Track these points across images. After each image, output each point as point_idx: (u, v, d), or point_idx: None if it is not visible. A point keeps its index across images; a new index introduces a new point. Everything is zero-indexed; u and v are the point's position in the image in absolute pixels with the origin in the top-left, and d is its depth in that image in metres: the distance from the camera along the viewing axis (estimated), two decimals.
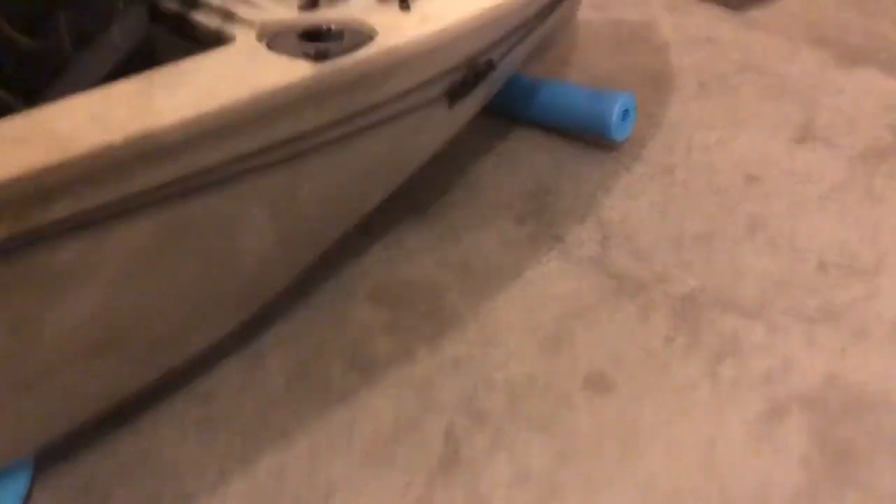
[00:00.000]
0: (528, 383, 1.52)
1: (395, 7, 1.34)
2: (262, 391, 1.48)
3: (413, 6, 1.35)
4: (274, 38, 1.24)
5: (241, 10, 1.31)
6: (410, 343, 1.60)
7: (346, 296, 1.70)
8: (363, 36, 1.26)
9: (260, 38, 1.23)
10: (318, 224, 1.51)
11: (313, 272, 1.67)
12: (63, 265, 1.03)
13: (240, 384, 1.49)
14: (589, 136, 2.23)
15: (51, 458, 1.31)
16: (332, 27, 1.28)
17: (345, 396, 1.47)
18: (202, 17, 1.34)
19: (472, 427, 1.43)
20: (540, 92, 2.26)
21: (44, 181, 0.92)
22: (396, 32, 1.28)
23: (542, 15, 1.79)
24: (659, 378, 1.54)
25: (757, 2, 3.33)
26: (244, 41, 1.22)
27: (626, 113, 2.17)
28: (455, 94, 1.56)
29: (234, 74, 1.13)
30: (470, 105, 1.74)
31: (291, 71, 1.15)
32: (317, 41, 1.24)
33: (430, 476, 1.34)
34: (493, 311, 1.69)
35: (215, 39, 1.30)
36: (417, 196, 1.98)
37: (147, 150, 1.01)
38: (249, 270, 1.38)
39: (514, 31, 1.66)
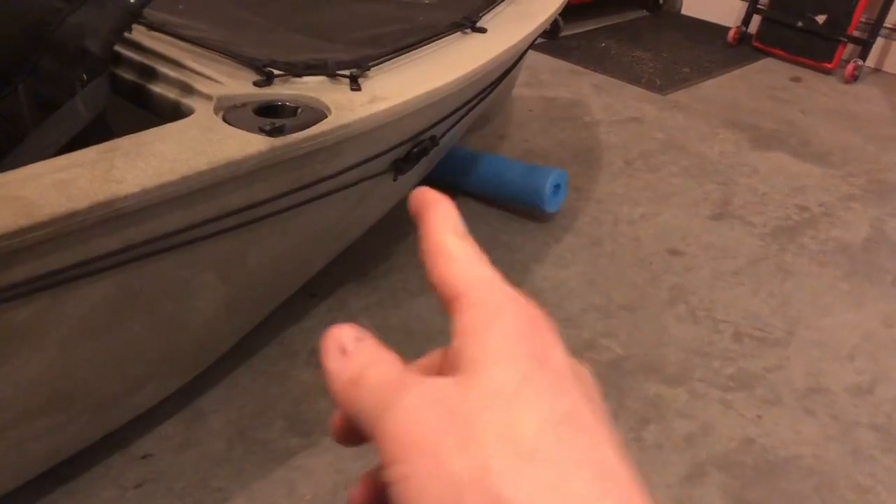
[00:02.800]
0: None
1: (347, 86, 1.43)
2: (203, 452, 1.49)
3: (363, 86, 1.44)
4: (230, 112, 1.30)
5: (199, 84, 1.36)
6: None
7: (287, 358, 1.74)
8: (316, 113, 1.33)
9: (217, 111, 1.30)
10: (265, 288, 1.56)
11: (256, 332, 1.70)
12: (19, 324, 1.06)
13: (180, 444, 1.51)
14: (523, 207, 2.35)
15: None
16: (287, 103, 1.35)
17: (285, 458, 1.50)
18: (160, 89, 1.39)
19: None
20: (478, 165, 2.38)
21: (9, 244, 0.96)
22: (347, 110, 1.35)
23: (483, 95, 1.91)
24: None
25: (678, 86, 3.56)
26: (202, 114, 1.27)
27: (557, 187, 2.29)
28: (400, 167, 1.65)
29: (192, 146, 1.18)
30: (412, 176, 1.83)
31: (247, 145, 1.21)
32: (272, 116, 1.31)
33: None
34: None
35: (172, 111, 1.35)
36: (361, 260, 2.04)
37: (108, 217, 1.05)
38: (197, 332, 1.41)
39: (457, 110, 1.77)
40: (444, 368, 0.30)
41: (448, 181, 2.41)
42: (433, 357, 0.34)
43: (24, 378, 1.12)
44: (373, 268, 2.07)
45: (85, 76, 1.24)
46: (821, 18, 3.84)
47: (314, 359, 1.75)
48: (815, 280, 2.24)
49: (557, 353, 0.29)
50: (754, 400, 1.78)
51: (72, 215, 1.01)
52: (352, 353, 0.30)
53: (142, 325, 1.27)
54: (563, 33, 4.00)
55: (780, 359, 1.92)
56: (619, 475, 0.26)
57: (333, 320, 1.87)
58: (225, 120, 1.28)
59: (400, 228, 2.22)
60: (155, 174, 1.10)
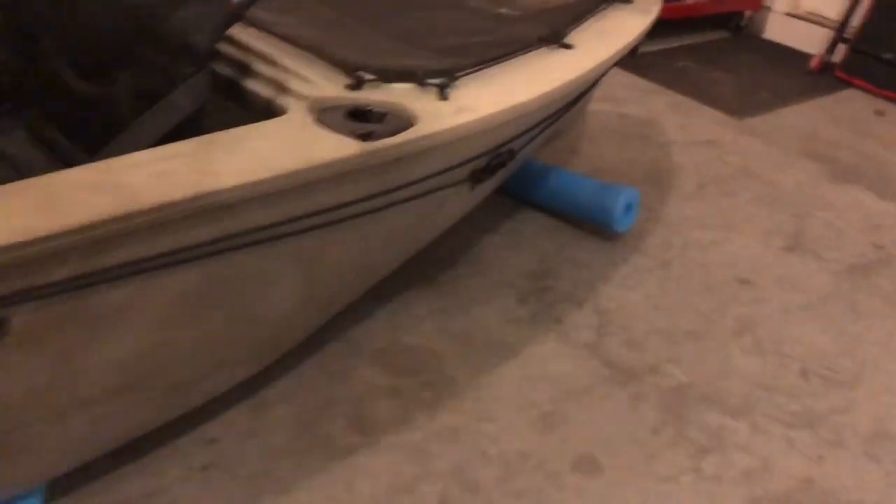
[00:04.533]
0: (521, 460, 1.58)
1: (435, 96, 1.44)
2: (267, 441, 1.53)
3: (450, 96, 1.46)
4: (323, 114, 1.33)
5: (293, 83, 1.40)
6: (410, 409, 1.66)
7: (351, 357, 1.77)
8: (404, 120, 1.35)
9: (310, 112, 1.33)
10: (339, 286, 1.59)
11: (323, 330, 1.74)
12: (113, 306, 1.10)
13: (246, 431, 1.54)
14: (592, 225, 2.34)
15: (60, 487, 1.35)
16: (377, 109, 1.38)
17: (345, 455, 1.53)
18: (254, 86, 1.43)
19: (464, 497, 1.49)
20: (549, 178, 2.38)
21: (111, 229, 1.00)
22: (434, 120, 1.37)
23: (564, 110, 1.91)
24: (645, 466, 1.61)
25: (756, 111, 3.50)
26: (297, 114, 1.31)
27: (628, 207, 2.28)
28: (478, 177, 1.66)
29: (287, 146, 1.21)
30: (488, 187, 1.85)
31: (339, 148, 1.24)
32: (362, 121, 1.34)
33: None
34: (491, 385, 1.76)
35: (265, 108, 1.39)
36: (427, 266, 2.06)
37: (203, 209, 1.09)
38: (272, 324, 1.45)
39: (538, 124, 1.77)
40: None
41: (519, 194, 2.42)
42: None
43: (113, 357, 1.16)
44: (440, 273, 2.09)
45: (187, 71, 1.29)
46: None
47: (378, 359, 1.78)
48: (888, 322, 2.19)
49: None
50: (817, 440, 1.75)
51: (170, 205, 1.04)
52: None
53: (223, 314, 1.31)
54: (641, 50, 3.96)
55: (846, 400, 1.88)
56: None
57: (399, 323, 1.91)
58: (318, 122, 1.31)
59: (469, 236, 2.23)
60: (250, 171, 1.14)
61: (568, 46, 1.79)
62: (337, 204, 1.32)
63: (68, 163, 1.53)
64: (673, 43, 4.26)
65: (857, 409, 1.86)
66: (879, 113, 3.73)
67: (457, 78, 1.51)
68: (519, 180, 2.32)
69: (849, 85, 3.98)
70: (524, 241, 2.28)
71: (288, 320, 1.49)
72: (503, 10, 2.09)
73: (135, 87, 1.38)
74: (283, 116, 1.31)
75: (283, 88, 1.41)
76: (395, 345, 1.83)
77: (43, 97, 1.59)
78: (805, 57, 4.23)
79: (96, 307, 1.09)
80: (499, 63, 1.63)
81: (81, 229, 0.97)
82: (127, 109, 1.39)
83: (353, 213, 1.37)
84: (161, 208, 1.04)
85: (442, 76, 1.49)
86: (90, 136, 1.46)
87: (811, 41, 4.31)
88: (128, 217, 1.01)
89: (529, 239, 2.30)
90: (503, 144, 1.67)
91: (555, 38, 1.79)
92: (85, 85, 1.47)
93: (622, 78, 3.62)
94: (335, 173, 1.25)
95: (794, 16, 4.50)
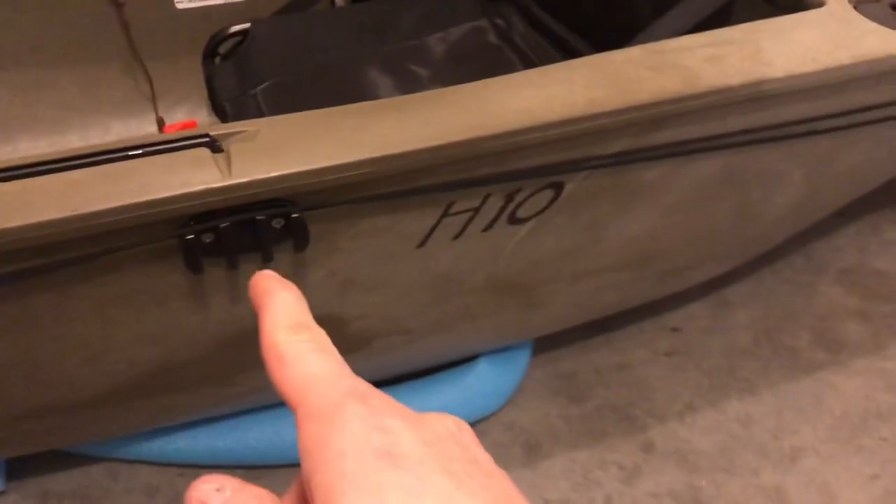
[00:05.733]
0: None
1: None
2: (729, 340, 1.54)
3: None
4: (864, 6, 1.23)
5: None
6: (881, 335, 1.55)
7: (815, 272, 1.69)
8: None
9: (853, 2, 1.24)
10: (835, 195, 1.51)
11: (786, 242, 1.67)
12: (645, 184, 1.16)
13: (706, 327, 1.57)
14: None
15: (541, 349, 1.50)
16: None
17: (812, 370, 1.48)
18: None
19: None
20: None
21: (671, 108, 1.03)
22: None
23: None
24: None
25: None
26: (837, 5, 1.23)
27: None
28: None
29: (834, 38, 1.14)
30: None
31: (889, 42, 1.14)
32: None
33: None
34: None
35: (794, 2, 1.33)
36: None
37: (754, 96, 1.08)
38: (766, 223, 1.42)
39: None
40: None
41: None
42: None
43: (630, 233, 1.23)
44: None
45: None
46: None
47: (845, 279, 1.67)
48: None
49: (410, 440, 0.25)
50: None
51: (728, 90, 1.05)
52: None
53: (728, 206, 1.31)
54: None
55: None
56: None
57: (865, 244, 1.77)
58: (860, 12, 1.21)
59: None
60: (800, 62, 1.09)
61: None
62: (865, 106, 1.23)
63: (568, 52, 1.62)
64: None
65: None
66: None
67: None
68: None
69: None
70: None
71: (780, 221, 1.45)
72: None
73: None
74: (824, 8, 1.23)
75: None
76: (862, 267, 1.71)
77: None
78: None
79: (631, 183, 1.15)
80: None
81: (650, 105, 1.02)
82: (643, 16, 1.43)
83: (877, 118, 1.27)
84: (720, 92, 1.05)
85: None
86: (594, 28, 1.54)
87: None
88: (690, 98, 1.03)
89: None
90: None
91: None
92: None
93: None
94: (880, 72, 1.16)
95: None
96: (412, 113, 0.96)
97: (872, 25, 1.18)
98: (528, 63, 1.70)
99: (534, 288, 1.27)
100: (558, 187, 1.11)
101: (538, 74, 1.06)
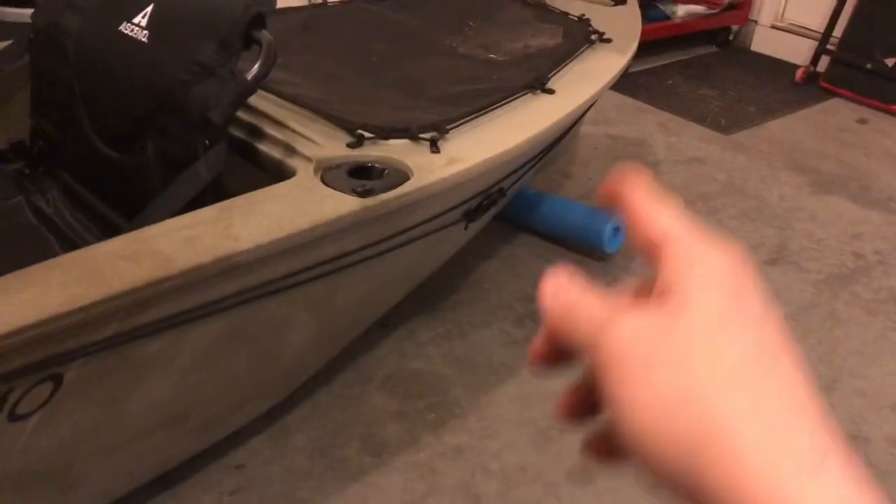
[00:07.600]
0: (520, 473, 1.74)
1: (427, 149, 1.61)
2: (288, 465, 1.69)
3: (442, 148, 1.62)
4: (327, 173, 1.49)
5: (300, 145, 1.56)
6: (417, 431, 1.82)
7: (362, 383, 1.93)
8: (401, 174, 1.52)
9: (316, 172, 1.49)
10: (349, 322, 1.76)
11: (335, 360, 1.90)
12: (149, 356, 1.27)
13: (268, 457, 1.71)
14: (583, 247, 2.50)
15: None
16: (376, 165, 1.54)
17: (359, 475, 1.69)
18: (266, 148, 1.60)
19: None
20: (541, 205, 2.54)
21: (148, 291, 1.17)
22: (428, 172, 1.53)
23: (548, 149, 2.07)
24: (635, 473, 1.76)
25: (743, 125, 3.65)
26: (303, 175, 1.47)
27: (617, 230, 2.44)
28: (471, 217, 1.82)
29: (296, 206, 1.38)
30: (481, 222, 2.01)
31: (342, 205, 1.40)
32: (362, 177, 1.50)
33: None
34: (492, 405, 1.92)
35: (277, 168, 1.56)
36: (429, 294, 2.22)
37: (227, 268, 1.25)
38: (289, 361, 1.61)
39: (525, 164, 1.94)
40: (645, 299, 0.35)
41: (514, 220, 2.58)
42: (628, 291, 0.38)
43: (151, 399, 1.33)
44: (441, 301, 2.25)
45: (207, 142, 1.45)
46: (890, 61, 3.88)
47: (386, 385, 1.94)
48: (865, 329, 2.33)
49: (756, 294, 0.34)
50: None
51: (199, 268, 1.21)
52: (567, 288, 0.36)
53: (245, 356, 1.48)
54: (632, 69, 4.12)
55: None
56: (807, 406, 0.32)
57: (404, 350, 2.07)
58: (322, 180, 1.47)
59: (466, 265, 2.39)
60: (266, 232, 1.30)
61: (551, 91, 1.95)
62: (342, 253, 1.49)
63: (101, 222, 1.71)
64: (662, 60, 4.41)
65: (832, 412, 2.00)
66: (862, 121, 3.87)
67: (447, 130, 1.67)
68: (513, 207, 2.48)
69: (833, 95, 4.12)
70: (520, 267, 2.44)
71: (303, 356, 1.65)
72: (491, 56, 2.26)
73: (162, 154, 1.55)
74: (292, 179, 1.47)
75: (291, 150, 1.57)
76: (402, 371, 2.00)
77: (76, 161, 1.77)
78: (792, 68, 4.37)
79: (135, 358, 1.26)
80: (486, 112, 1.79)
81: (125, 293, 1.14)
82: (156, 174, 1.57)
83: (357, 260, 1.54)
84: (194, 271, 1.20)
85: (433, 130, 1.65)
86: (121, 198, 1.64)
87: (798, 52, 4.46)
88: (162, 281, 1.17)
89: (525, 264, 2.46)
90: (493, 186, 1.83)
91: (538, 84, 1.95)
92: (114, 152, 1.65)
93: (613, 98, 3.78)
94: (339, 228, 1.41)
95: (779, 28, 4.65)
96: None
97: (330, 192, 1.44)
98: (66, 240, 1.75)
99: (65, 471, 1.30)
100: (57, 378, 1.18)
101: (12, 279, 1.12)
